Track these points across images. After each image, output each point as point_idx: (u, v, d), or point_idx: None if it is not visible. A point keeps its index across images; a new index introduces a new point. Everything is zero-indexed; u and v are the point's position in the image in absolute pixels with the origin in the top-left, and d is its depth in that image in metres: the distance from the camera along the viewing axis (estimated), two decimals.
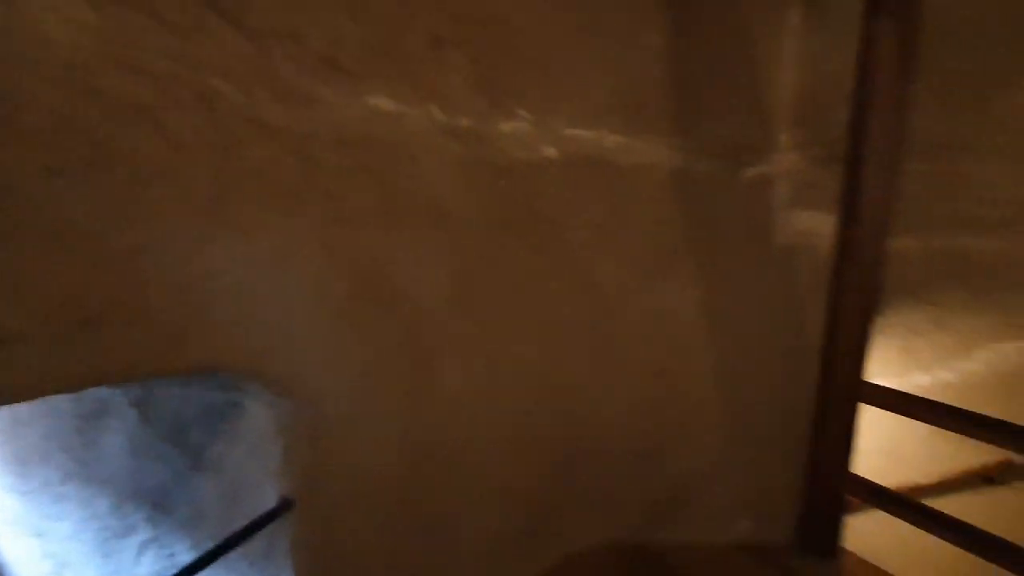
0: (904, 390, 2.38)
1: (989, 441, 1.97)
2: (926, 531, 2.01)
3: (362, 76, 1.40)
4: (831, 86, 2.14)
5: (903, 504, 2.11)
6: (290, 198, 1.33)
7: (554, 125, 1.93)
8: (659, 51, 2.05)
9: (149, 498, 1.69)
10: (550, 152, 1.94)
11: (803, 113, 2.19)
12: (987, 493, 2.33)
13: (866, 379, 2.16)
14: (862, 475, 2.19)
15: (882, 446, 2.52)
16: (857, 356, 2.15)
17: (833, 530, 2.26)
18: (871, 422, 2.23)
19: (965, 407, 2.32)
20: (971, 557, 1.88)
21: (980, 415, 1.92)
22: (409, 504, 1.71)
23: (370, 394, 1.57)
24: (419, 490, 1.74)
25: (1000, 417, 2.28)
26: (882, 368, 2.42)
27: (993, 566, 1.84)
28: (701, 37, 2.10)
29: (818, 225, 2.22)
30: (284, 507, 1.41)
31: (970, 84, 2.17)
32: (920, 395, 2.34)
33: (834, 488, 2.22)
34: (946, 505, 2.27)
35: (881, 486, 2.17)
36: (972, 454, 2.38)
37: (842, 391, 2.16)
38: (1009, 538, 1.82)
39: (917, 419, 2.08)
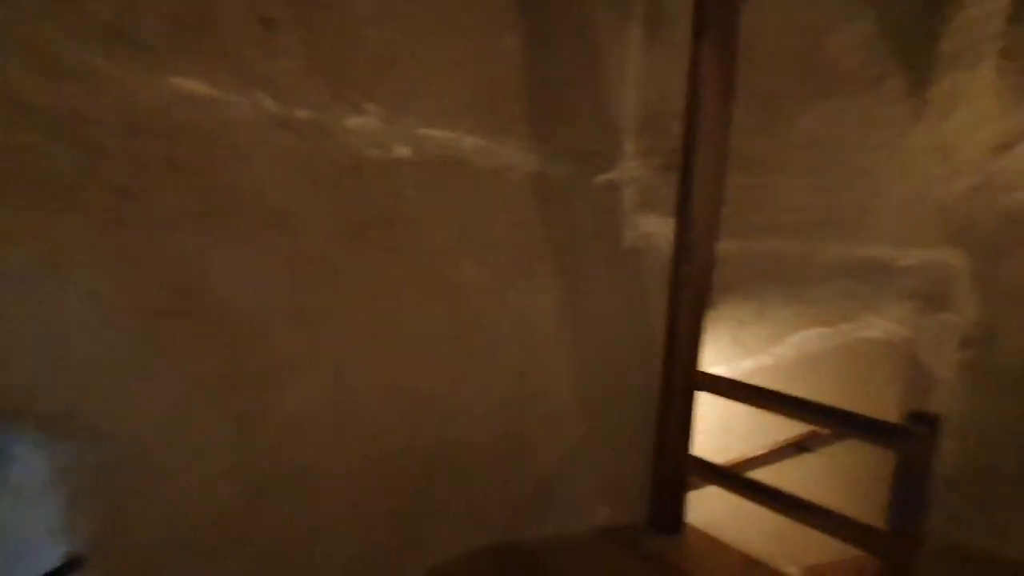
0: (734, 375, 2.70)
1: (797, 417, 2.28)
2: (751, 501, 2.28)
3: (164, 52, 1.21)
4: (668, 101, 2.34)
5: (732, 479, 2.37)
6: (62, 194, 1.10)
7: (407, 123, 1.87)
8: (516, 56, 2.07)
9: None
10: (404, 151, 1.88)
11: (645, 125, 2.37)
12: (801, 460, 2.69)
13: (702, 368, 2.39)
14: (701, 454, 2.43)
15: (719, 424, 2.81)
16: (693, 347, 2.38)
17: (678, 508, 2.47)
18: (710, 403, 2.47)
19: (781, 386, 2.68)
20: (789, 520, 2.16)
21: (791, 396, 2.22)
22: (243, 541, 1.54)
23: (187, 425, 1.38)
24: (256, 523, 1.58)
25: (805, 391, 2.66)
26: (715, 356, 2.70)
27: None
28: (555, 48, 2.17)
29: (660, 228, 2.41)
30: (70, 567, 1.17)
31: (775, 107, 2.50)
32: (746, 379, 2.66)
33: (677, 469, 2.43)
34: (770, 474, 2.60)
35: (715, 464, 2.41)
36: (789, 427, 2.73)
37: (681, 380, 2.37)
38: (818, 497, 2.12)
39: (743, 402, 2.35)
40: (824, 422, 2.28)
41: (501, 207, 2.16)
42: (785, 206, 2.52)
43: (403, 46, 1.81)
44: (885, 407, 2.69)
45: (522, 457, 2.28)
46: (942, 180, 2.55)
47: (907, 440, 1.96)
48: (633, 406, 2.49)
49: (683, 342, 2.34)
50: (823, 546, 2.66)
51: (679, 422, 2.40)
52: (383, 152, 1.78)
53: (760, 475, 2.61)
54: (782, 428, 2.69)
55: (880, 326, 2.64)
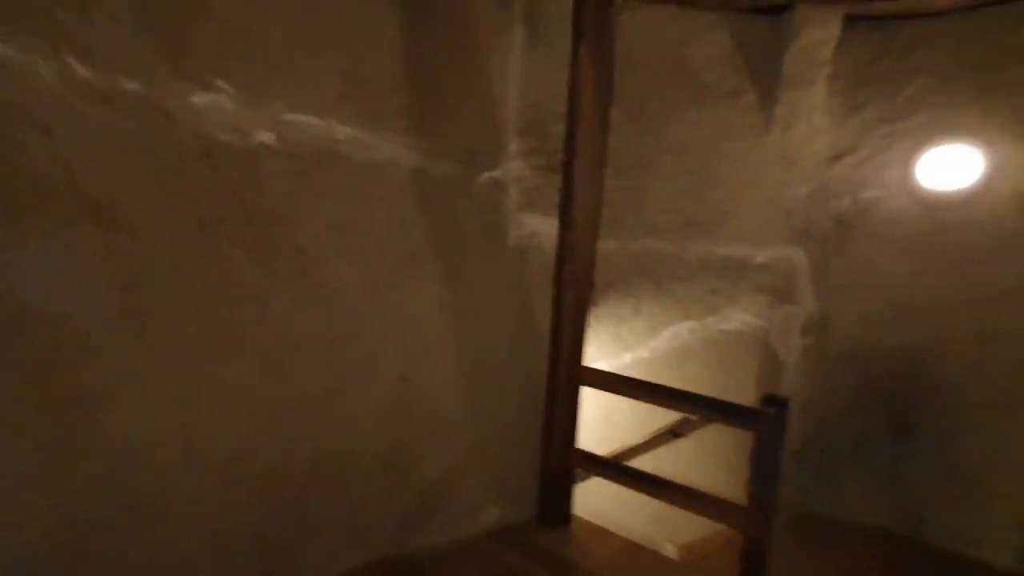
0: (615, 369, 2.81)
1: (670, 406, 2.42)
2: (632, 488, 2.39)
3: None
4: (550, 103, 2.37)
5: (615, 469, 2.47)
6: None
7: (270, 107, 1.69)
8: (395, 47, 1.98)
9: None
10: (266, 138, 1.70)
11: (528, 125, 2.38)
12: (675, 445, 2.87)
13: (585, 364, 2.46)
14: (586, 447, 2.50)
15: (602, 415, 2.91)
16: (577, 344, 2.44)
17: (566, 501, 2.52)
18: (593, 395, 2.56)
19: (657, 377, 2.84)
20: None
21: (664, 387, 2.36)
22: None
23: None
24: (87, 566, 1.33)
25: (678, 381, 2.84)
26: (598, 351, 2.81)
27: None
28: (437, 42, 2.10)
29: (543, 228, 2.44)
30: None
31: (648, 113, 2.65)
32: (626, 372, 2.80)
33: (564, 464, 2.48)
34: (649, 460, 2.74)
35: (599, 456, 2.50)
36: (666, 415, 2.90)
37: (567, 377, 2.42)
38: (692, 478, 2.27)
39: (623, 395, 2.46)
40: (692, 409, 2.45)
41: (382, 204, 2.05)
42: (658, 208, 2.68)
43: (262, 22, 1.64)
44: (745, 391, 2.97)
45: (408, 465, 2.19)
46: (786, 186, 2.87)
47: (762, 421, 2.15)
48: (521, 405, 2.49)
49: (567, 340, 2.39)
50: (698, 524, 2.88)
51: (565, 418, 2.45)
52: (240, 138, 1.60)
53: (640, 462, 2.76)
54: (660, 416, 2.86)
55: (739, 318, 2.91)
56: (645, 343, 2.89)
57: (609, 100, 2.41)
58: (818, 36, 2.66)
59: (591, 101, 2.29)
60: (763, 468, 2.15)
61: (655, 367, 2.87)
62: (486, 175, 2.32)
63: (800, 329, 2.99)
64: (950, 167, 2.59)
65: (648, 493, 2.37)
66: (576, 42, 2.25)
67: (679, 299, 2.83)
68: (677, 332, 2.86)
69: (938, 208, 2.67)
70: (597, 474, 2.48)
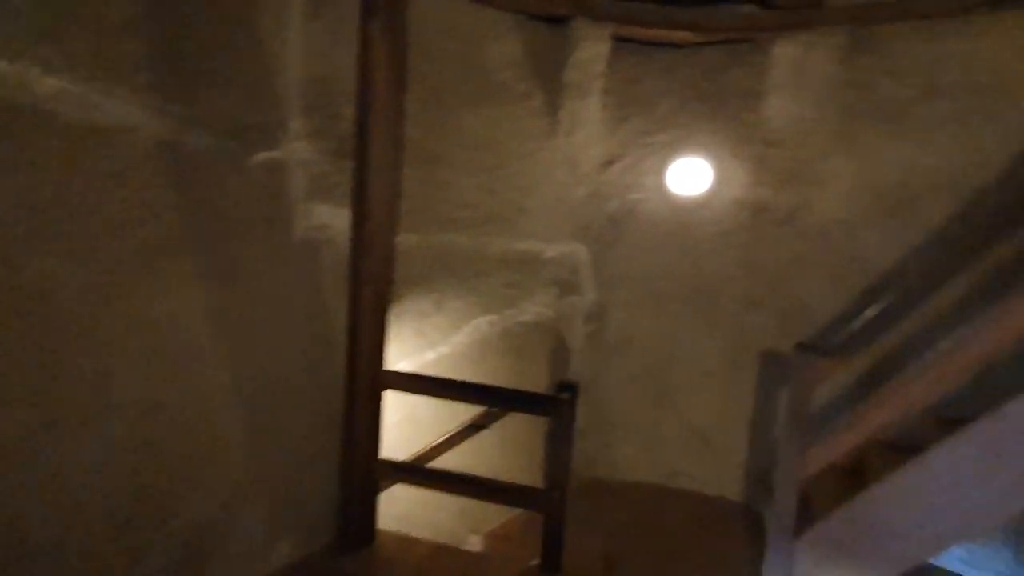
0: (418, 367, 2.72)
1: (471, 401, 2.43)
2: (437, 490, 2.33)
3: None
4: (338, 80, 2.13)
5: (419, 473, 2.38)
6: None
7: None
8: None
9: None
10: None
11: (313, 102, 2.11)
12: (478, 438, 2.90)
13: (387, 367, 2.31)
14: (389, 451, 2.35)
15: (405, 415, 2.79)
16: (378, 345, 2.27)
17: (370, 516, 2.34)
18: (395, 396, 2.42)
19: (460, 373, 2.84)
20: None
21: (465, 382, 2.35)
22: None
23: None
24: None
25: (480, 374, 2.89)
26: (400, 350, 2.67)
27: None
28: None
29: (335, 220, 2.20)
30: None
31: (446, 105, 2.59)
32: (430, 370, 2.72)
33: (367, 476, 2.30)
34: (455, 457, 2.72)
35: (403, 463, 2.38)
36: (468, 409, 2.91)
37: (367, 382, 2.23)
38: (496, 468, 2.31)
39: (427, 395, 2.38)
40: (492, 402, 2.50)
41: (114, 182, 1.58)
42: (459, 202, 2.66)
43: None
44: (540, 378, 3.17)
45: (163, 512, 1.75)
46: (570, 187, 3.12)
47: (556, 407, 2.30)
48: (313, 419, 2.22)
49: (367, 342, 2.21)
50: (501, 510, 2.98)
51: (367, 427, 2.26)
52: None
53: (446, 460, 2.72)
54: (463, 410, 2.87)
55: (533, 310, 3.08)
56: (448, 338, 2.86)
57: (403, 85, 2.28)
58: (592, 51, 2.93)
59: (385, 84, 2.13)
60: (558, 449, 2.30)
61: (457, 362, 2.86)
62: (262, 155, 1.98)
63: (583, 318, 3.31)
64: (690, 176, 3.12)
65: (453, 492, 2.35)
66: (366, 19, 2.06)
67: (480, 293, 2.86)
68: (478, 326, 2.89)
69: (682, 210, 3.20)
70: (402, 481, 2.37)
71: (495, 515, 2.98)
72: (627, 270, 3.31)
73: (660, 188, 3.19)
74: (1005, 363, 1.92)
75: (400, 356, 2.62)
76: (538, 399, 2.62)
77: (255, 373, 2.00)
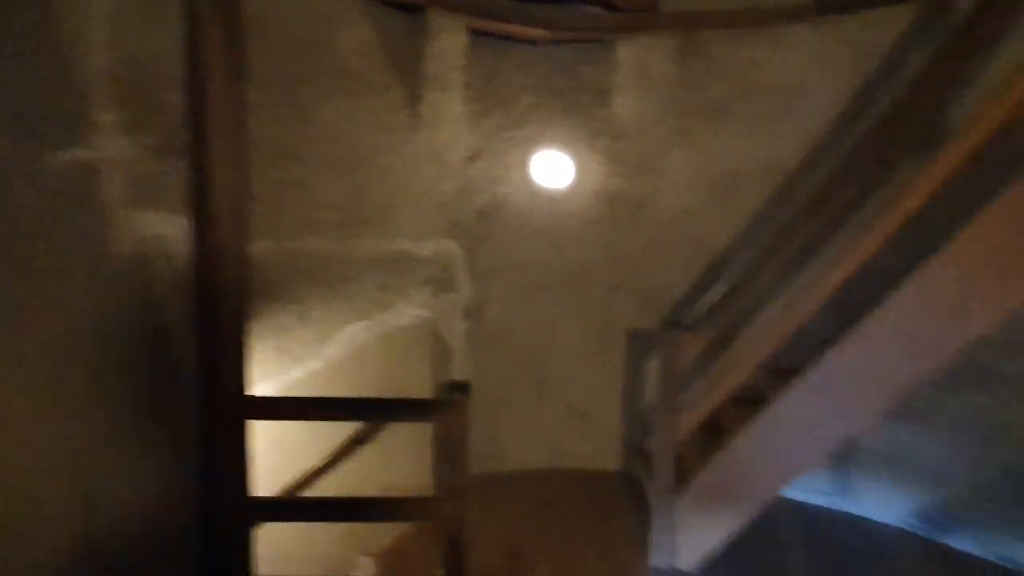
0: (285, 388, 2.45)
1: (349, 418, 2.26)
2: (321, 520, 2.13)
3: None
4: (157, 61, 1.79)
5: (294, 508, 2.15)
6: None
7: None
8: None
9: None
10: None
11: (127, 89, 1.75)
12: (360, 452, 2.71)
13: (249, 393, 2.03)
14: (258, 487, 2.08)
15: (272, 441, 2.50)
16: (237, 370, 1.98)
17: (243, 566, 2.05)
18: (260, 423, 2.15)
19: (334, 387, 2.62)
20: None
21: (340, 399, 2.16)
22: None
23: None
24: None
25: (357, 386, 2.70)
26: (259, 371, 2.38)
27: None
28: None
29: (170, 228, 1.86)
30: None
31: (297, 97, 2.34)
32: (297, 390, 2.47)
33: (236, 520, 2.01)
34: (335, 479, 2.51)
35: (277, 498, 2.13)
36: (345, 425, 2.70)
37: (228, 412, 1.94)
38: (384, 482, 2.16)
39: (299, 419, 2.15)
40: (373, 416, 2.35)
41: None
42: (320, 203, 2.42)
43: None
44: (422, 381, 3.06)
45: None
46: (437, 183, 3.04)
47: (448, 410, 2.22)
48: (158, 466, 1.88)
49: (225, 367, 1.91)
50: (392, 524, 2.83)
51: (231, 463, 1.97)
52: None
53: (329, 483, 2.50)
54: (340, 426, 2.65)
55: (410, 312, 2.95)
56: (317, 352, 2.61)
57: (242, 71, 1.99)
58: (448, 43, 2.87)
59: (220, 69, 1.84)
60: (453, 453, 2.23)
61: (332, 376, 2.63)
62: (62, 153, 1.59)
63: (462, 315, 3.26)
64: (553, 169, 3.22)
65: (339, 519, 2.17)
66: None
67: (350, 299, 2.65)
68: (351, 334, 2.69)
69: (548, 202, 3.30)
70: (278, 519, 2.11)
71: (386, 530, 2.83)
72: (501, 264, 3.33)
73: (526, 181, 3.25)
74: (820, 319, 2.27)
75: (261, 378, 2.33)
76: (427, 405, 2.52)
77: (66, 423, 1.61)
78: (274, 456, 2.37)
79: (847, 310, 2.12)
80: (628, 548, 2.78)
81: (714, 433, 2.63)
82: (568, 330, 3.43)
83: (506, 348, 3.41)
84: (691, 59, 3.09)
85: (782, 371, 2.39)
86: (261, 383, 2.30)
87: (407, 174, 2.85)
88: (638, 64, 3.09)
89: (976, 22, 2.46)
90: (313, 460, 2.58)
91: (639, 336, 3.41)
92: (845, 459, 3.01)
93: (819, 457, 2.26)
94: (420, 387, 3.02)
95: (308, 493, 2.47)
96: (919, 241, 1.94)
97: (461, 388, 2.26)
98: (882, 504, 2.97)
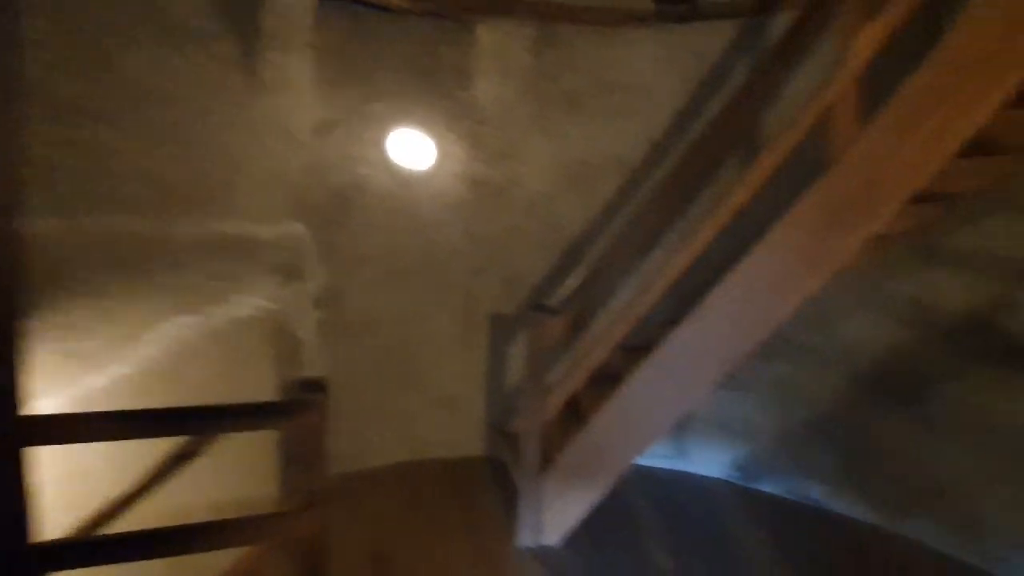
0: (79, 401, 1.97)
1: (171, 434, 1.90)
2: (131, 561, 1.76)
3: None
4: None
5: (96, 547, 1.75)
6: None
7: None
8: None
9: None
10: None
11: None
12: (189, 467, 2.32)
13: (27, 412, 1.58)
14: (48, 529, 1.65)
15: (69, 471, 2.02)
16: (6, 386, 1.52)
17: None
18: (45, 449, 1.69)
19: (150, 396, 2.19)
20: None
21: (157, 411, 1.77)
22: None
23: None
24: None
25: (183, 392, 2.29)
26: (45, 383, 1.88)
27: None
28: None
29: None
30: None
31: (103, 48, 1.85)
32: (97, 402, 2.01)
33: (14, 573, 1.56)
34: (157, 503, 2.11)
35: (69, 540, 1.71)
36: (167, 440, 2.29)
37: None
38: (223, 496, 1.83)
39: (99, 440, 1.74)
40: (201, 428, 2.01)
41: None
42: (130, 175, 1.95)
43: None
44: (265, 380, 2.71)
45: None
46: (284, 157, 2.69)
47: (299, 411, 1.99)
48: None
49: None
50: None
51: (6, 504, 1.52)
52: None
53: (145, 511, 2.09)
54: (152, 448, 2.23)
55: (250, 304, 2.58)
56: (123, 355, 2.15)
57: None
58: (292, 0, 2.54)
59: None
60: (311, 458, 2.00)
61: (147, 382, 2.20)
62: None
63: (312, 304, 2.96)
64: (414, 151, 3.06)
65: (160, 555, 1.81)
66: None
67: (170, 290, 2.22)
68: (172, 332, 2.26)
69: (410, 184, 3.13)
70: (74, 565, 1.70)
71: (226, 552, 2.48)
72: (364, 249, 3.10)
73: (386, 163, 3.04)
74: (664, 303, 2.47)
75: (43, 392, 1.85)
76: (271, 408, 2.22)
77: None
78: (72, 487, 1.91)
79: (686, 294, 2.34)
80: (494, 532, 2.79)
81: (574, 412, 2.75)
82: (432, 316, 3.33)
83: (369, 339, 3.20)
84: (548, 51, 3.15)
85: (631, 349, 2.58)
86: (45, 398, 1.82)
87: (245, 146, 2.47)
88: (498, 51, 3.07)
89: (786, 42, 2.86)
90: (124, 487, 2.13)
91: (500, 320, 3.44)
92: (681, 426, 3.37)
93: (667, 427, 2.48)
94: (261, 388, 2.68)
95: (117, 527, 2.03)
96: (746, 233, 2.20)
97: (315, 386, 2.03)
98: (709, 461, 3.40)
